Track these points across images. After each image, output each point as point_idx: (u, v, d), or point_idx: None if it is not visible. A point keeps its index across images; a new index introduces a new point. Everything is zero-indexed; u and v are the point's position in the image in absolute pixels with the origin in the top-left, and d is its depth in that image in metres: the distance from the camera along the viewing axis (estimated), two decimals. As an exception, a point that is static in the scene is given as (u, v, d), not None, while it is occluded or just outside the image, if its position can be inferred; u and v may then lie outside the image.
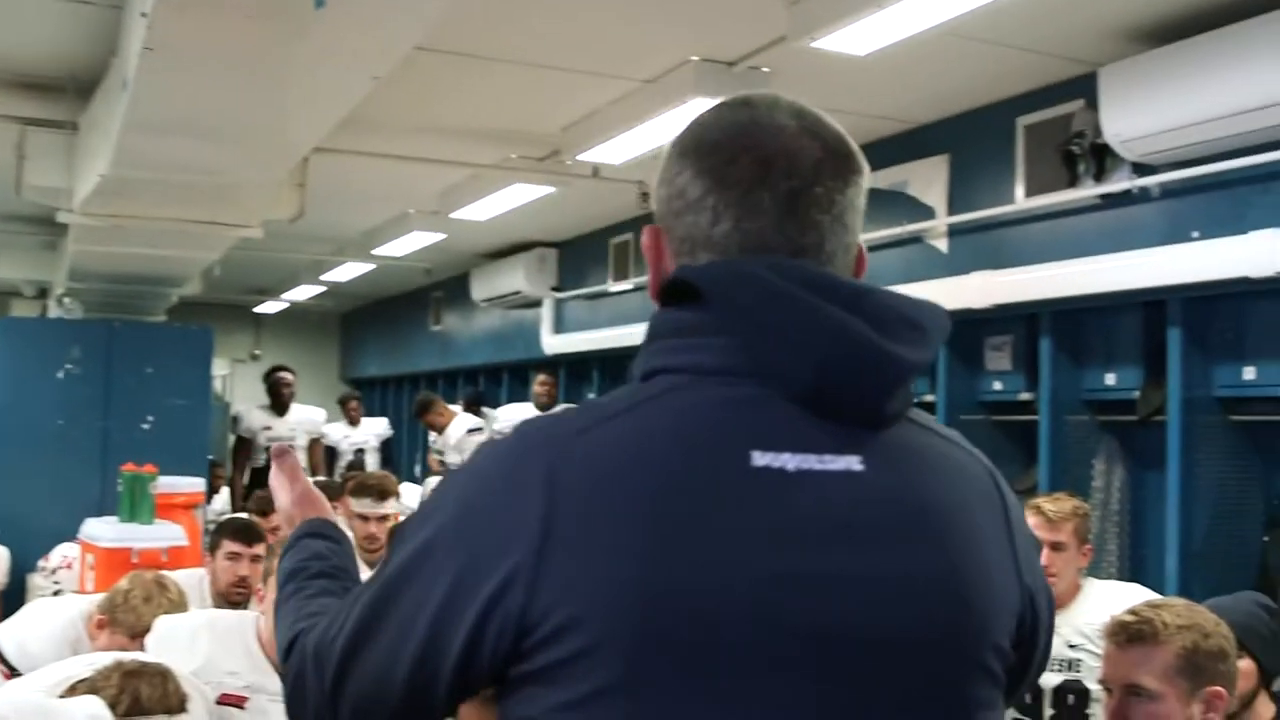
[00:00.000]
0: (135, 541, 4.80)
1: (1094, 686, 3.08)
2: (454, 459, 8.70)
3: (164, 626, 2.99)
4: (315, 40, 3.09)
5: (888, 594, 1.06)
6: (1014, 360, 5.21)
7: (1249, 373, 4.25)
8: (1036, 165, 4.74)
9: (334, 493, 6.23)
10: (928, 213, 5.38)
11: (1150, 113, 4.09)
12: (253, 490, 6.83)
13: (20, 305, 11.75)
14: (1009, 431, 5.22)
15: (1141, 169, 4.36)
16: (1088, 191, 4.57)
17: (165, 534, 4.99)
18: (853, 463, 1.08)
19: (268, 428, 8.57)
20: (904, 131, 5.49)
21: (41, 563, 5.68)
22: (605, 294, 8.37)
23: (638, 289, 7.94)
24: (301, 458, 8.68)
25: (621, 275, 8.13)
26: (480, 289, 9.70)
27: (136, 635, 3.09)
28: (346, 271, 10.66)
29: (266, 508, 5.09)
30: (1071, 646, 3.22)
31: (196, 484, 6.07)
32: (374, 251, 9.11)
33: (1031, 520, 3.19)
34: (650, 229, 1.22)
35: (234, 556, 3.94)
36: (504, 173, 6.42)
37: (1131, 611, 2.23)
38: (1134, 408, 4.59)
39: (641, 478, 1.04)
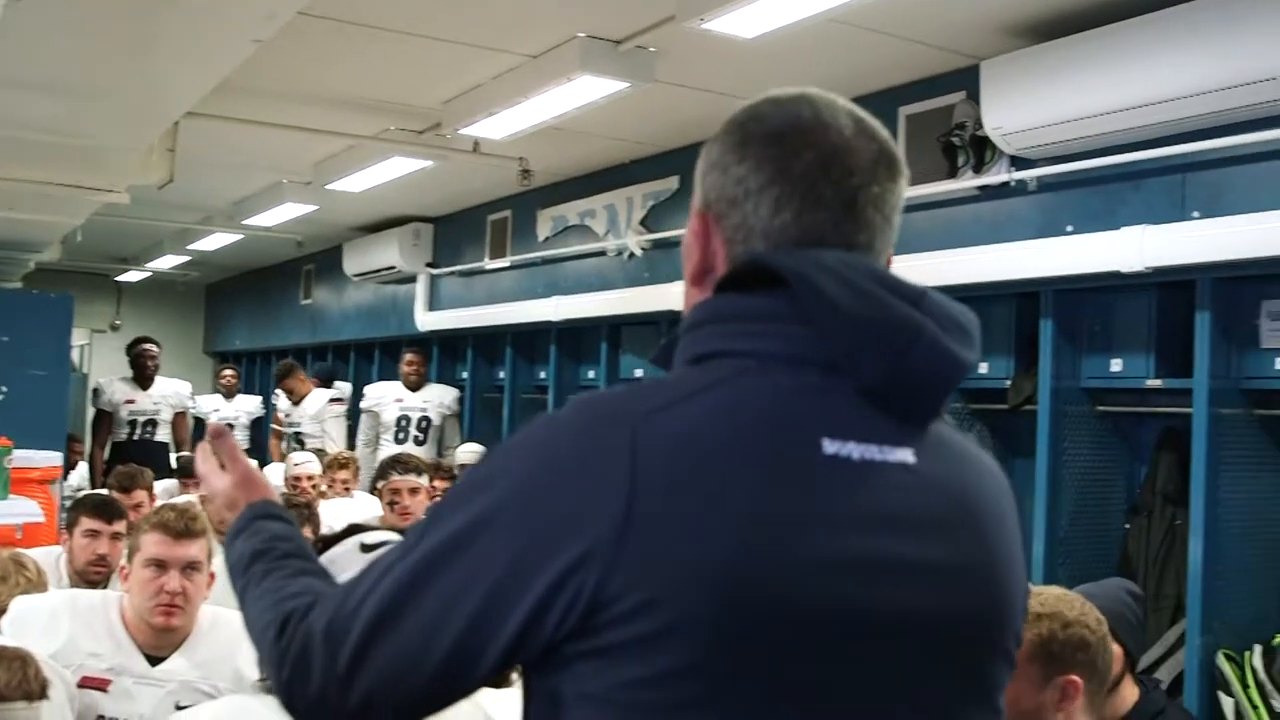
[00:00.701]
0: (-12, 517, 4.65)
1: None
2: (311, 429, 8.57)
3: (21, 607, 2.86)
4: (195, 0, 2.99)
5: (943, 581, 1.12)
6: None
7: (1116, 364, 4.36)
8: (918, 155, 4.80)
9: (194, 471, 6.11)
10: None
11: (1029, 107, 4.16)
12: (113, 465, 6.64)
13: None
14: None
15: (1019, 162, 4.44)
16: (967, 183, 4.64)
17: (20, 509, 4.84)
18: (907, 455, 1.13)
19: (130, 401, 8.35)
20: (788, 117, 5.50)
21: (-113, 539, 5.46)
22: (481, 271, 8.29)
23: (514, 267, 7.89)
24: (165, 432, 8.48)
25: (499, 253, 8.05)
26: (353, 263, 9.53)
27: (-9, 616, 2.97)
28: (214, 241, 10.40)
29: (127, 484, 4.96)
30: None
31: (53, 458, 5.89)
32: (244, 222, 8.90)
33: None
34: (700, 214, 1.22)
35: (92, 534, 3.81)
36: (382, 145, 6.31)
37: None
38: (1004, 396, 4.68)
39: (726, 460, 1.05)
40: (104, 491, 4.78)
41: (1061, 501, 4.37)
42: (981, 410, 4.87)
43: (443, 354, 8.93)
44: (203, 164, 6.80)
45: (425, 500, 4.81)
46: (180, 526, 2.89)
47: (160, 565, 2.85)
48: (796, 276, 1.11)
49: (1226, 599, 3.85)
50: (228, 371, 10.57)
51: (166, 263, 12.28)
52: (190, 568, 2.88)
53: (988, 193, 4.63)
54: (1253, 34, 3.49)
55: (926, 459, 1.14)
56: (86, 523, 3.83)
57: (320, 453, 6.78)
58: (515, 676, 1.16)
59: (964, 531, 1.15)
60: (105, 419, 8.37)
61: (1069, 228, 4.30)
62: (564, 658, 1.04)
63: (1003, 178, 4.50)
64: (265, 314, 12.68)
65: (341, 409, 8.80)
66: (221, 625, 2.90)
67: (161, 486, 6.03)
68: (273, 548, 1.32)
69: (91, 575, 3.78)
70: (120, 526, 3.84)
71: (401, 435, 8.04)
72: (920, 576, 1.10)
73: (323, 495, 5.95)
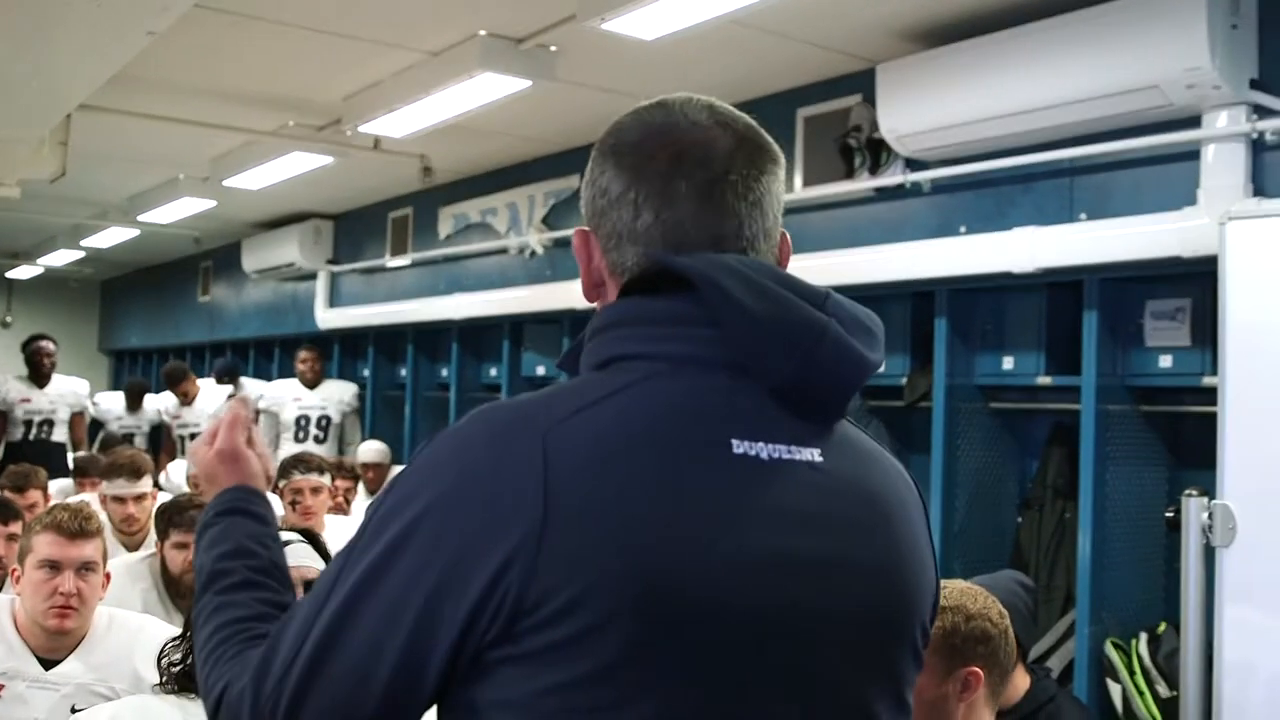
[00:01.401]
0: (-125, 520, 4.49)
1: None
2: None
3: (-91, 610, 2.81)
4: (88, -8, 2.94)
5: (854, 578, 1.15)
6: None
7: (1008, 362, 4.46)
8: (815, 156, 4.86)
9: (91, 471, 5.99)
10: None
11: (923, 111, 4.23)
12: (8, 466, 6.48)
13: None
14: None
15: (914, 164, 4.51)
16: (863, 184, 4.71)
17: (-93, 511, 4.67)
18: (814, 454, 1.15)
19: (26, 400, 8.14)
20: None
21: None
22: (382, 269, 8.22)
23: (415, 264, 7.84)
24: (62, 432, 8.29)
25: (400, 250, 8.00)
26: (252, 260, 9.39)
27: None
28: (109, 237, 10.17)
29: (21, 484, 4.86)
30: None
31: (-58, 458, 5.73)
32: (140, 217, 8.71)
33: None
34: (580, 231, 1.27)
35: (-15, 535, 3.74)
36: (281, 140, 6.23)
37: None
38: (900, 393, 4.76)
39: (638, 463, 1.07)
40: (-3, 493, 4.67)
41: (956, 496, 4.46)
42: (878, 407, 4.94)
43: (344, 352, 8.85)
44: (97, 158, 6.67)
45: (327, 499, 4.77)
46: (74, 527, 2.85)
47: (54, 566, 2.80)
48: (702, 278, 1.13)
49: (1114, 589, 3.96)
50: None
51: (60, 259, 11.98)
52: (85, 568, 2.83)
53: (884, 194, 4.70)
54: (1132, 44, 3.58)
55: (833, 457, 1.16)
56: (-22, 524, 3.76)
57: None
58: None
59: (873, 529, 1.17)
60: (0, 419, 8.17)
61: (962, 228, 4.39)
62: (485, 665, 1.05)
63: (898, 179, 4.58)
64: (162, 311, 12.44)
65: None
66: (118, 627, 2.86)
67: (57, 486, 5.91)
68: (230, 570, 1.29)
69: (-17, 578, 3.70)
70: (15, 528, 3.78)
71: (301, 434, 7.95)
72: (831, 574, 1.12)
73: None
